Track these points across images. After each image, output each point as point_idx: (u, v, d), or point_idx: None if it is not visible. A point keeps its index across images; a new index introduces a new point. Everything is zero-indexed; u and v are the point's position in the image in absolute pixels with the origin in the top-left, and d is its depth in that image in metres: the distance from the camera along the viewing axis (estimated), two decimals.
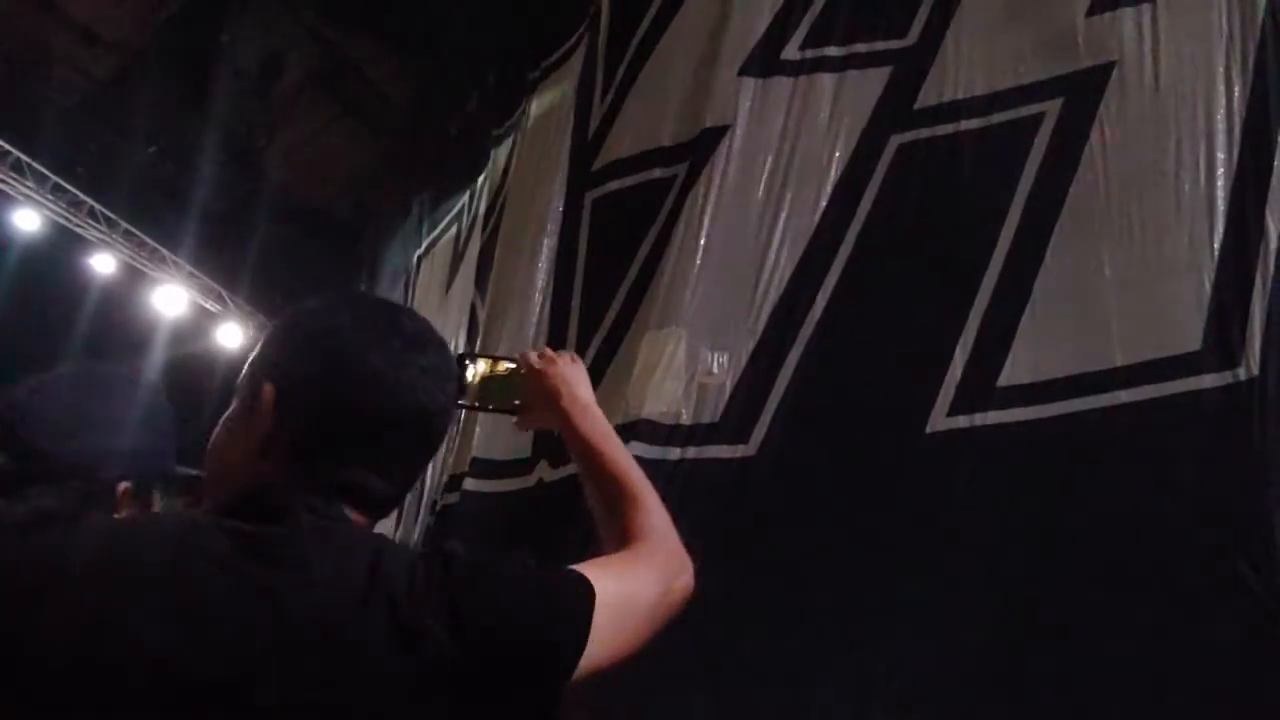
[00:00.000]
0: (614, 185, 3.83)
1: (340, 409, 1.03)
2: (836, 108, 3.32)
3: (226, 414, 1.11)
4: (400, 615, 0.91)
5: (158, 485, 1.45)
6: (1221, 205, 2.48)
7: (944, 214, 2.98)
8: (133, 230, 8.33)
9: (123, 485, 1.39)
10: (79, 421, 1.40)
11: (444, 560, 0.97)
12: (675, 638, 2.77)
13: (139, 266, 8.57)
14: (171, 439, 1.52)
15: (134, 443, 1.42)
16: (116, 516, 1.14)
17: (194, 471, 1.52)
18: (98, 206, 8.04)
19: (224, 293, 8.96)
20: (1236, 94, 2.56)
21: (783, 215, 3.25)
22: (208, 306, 9.04)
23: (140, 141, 8.00)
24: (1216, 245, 2.46)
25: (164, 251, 8.55)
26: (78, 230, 8.14)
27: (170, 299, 8.73)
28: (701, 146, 3.48)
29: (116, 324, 8.66)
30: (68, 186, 7.82)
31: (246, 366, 1.11)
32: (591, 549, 1.28)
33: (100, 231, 8.19)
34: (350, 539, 0.99)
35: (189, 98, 7.77)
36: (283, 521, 0.95)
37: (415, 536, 4.44)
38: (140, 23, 7.56)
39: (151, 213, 8.33)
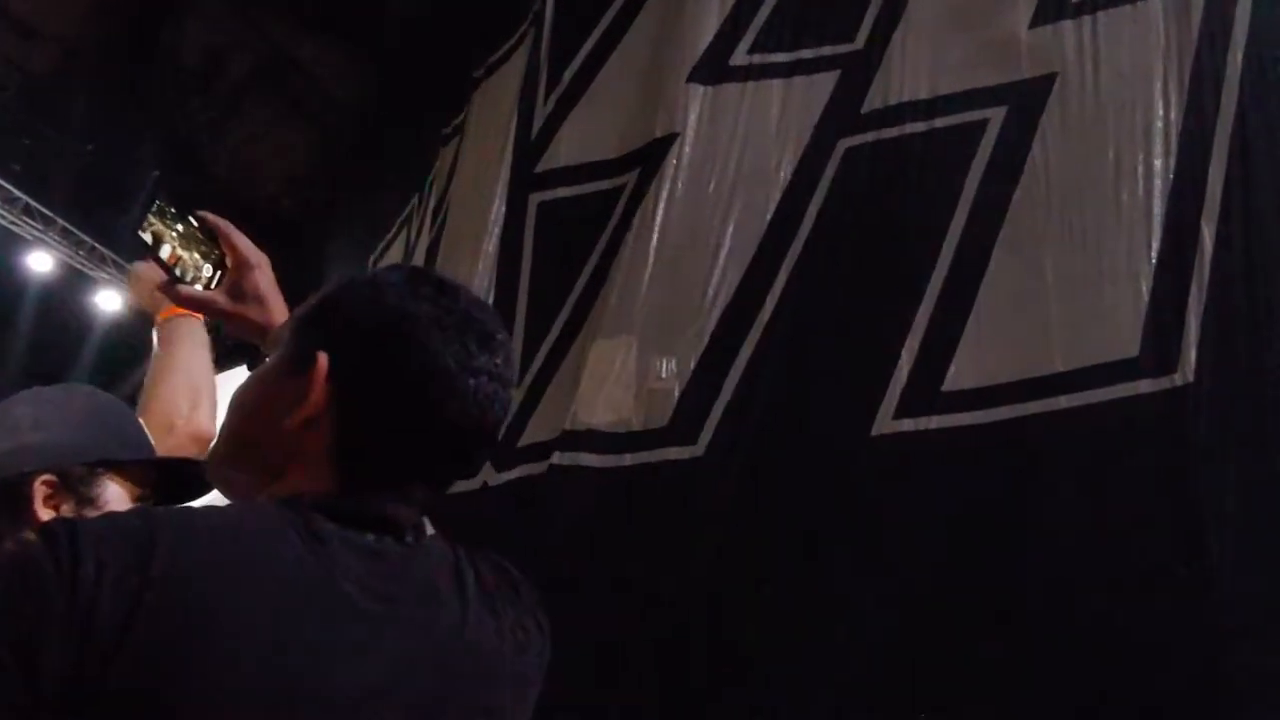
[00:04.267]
0: (563, 192, 3.82)
1: (402, 406, 0.93)
2: (785, 112, 3.34)
3: (263, 368, 1.02)
4: (511, 625, 0.98)
5: (95, 473, 1.39)
6: (1159, 214, 2.53)
7: (890, 218, 3.01)
8: (70, 228, 8.14)
9: (42, 478, 1.33)
10: None
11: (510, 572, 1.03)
12: (628, 635, 2.79)
13: (77, 265, 8.39)
14: (111, 428, 1.46)
15: (44, 437, 1.37)
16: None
17: (144, 458, 1.48)
18: (34, 204, 7.84)
19: None
20: (1174, 105, 2.61)
21: (732, 220, 3.26)
22: None
23: (79, 138, 7.82)
24: (1154, 253, 2.51)
25: (103, 250, 8.37)
26: (13, 228, 7.94)
27: (111, 299, 8.55)
28: (651, 156, 3.49)
29: (55, 323, 8.48)
30: (3, 183, 7.62)
31: (296, 321, 1.01)
32: None
33: (37, 229, 7.99)
34: (449, 554, 0.99)
35: (129, 94, 7.61)
36: (396, 537, 0.92)
37: None
38: (79, 17, 7.39)
39: (91, 210, 8.15)
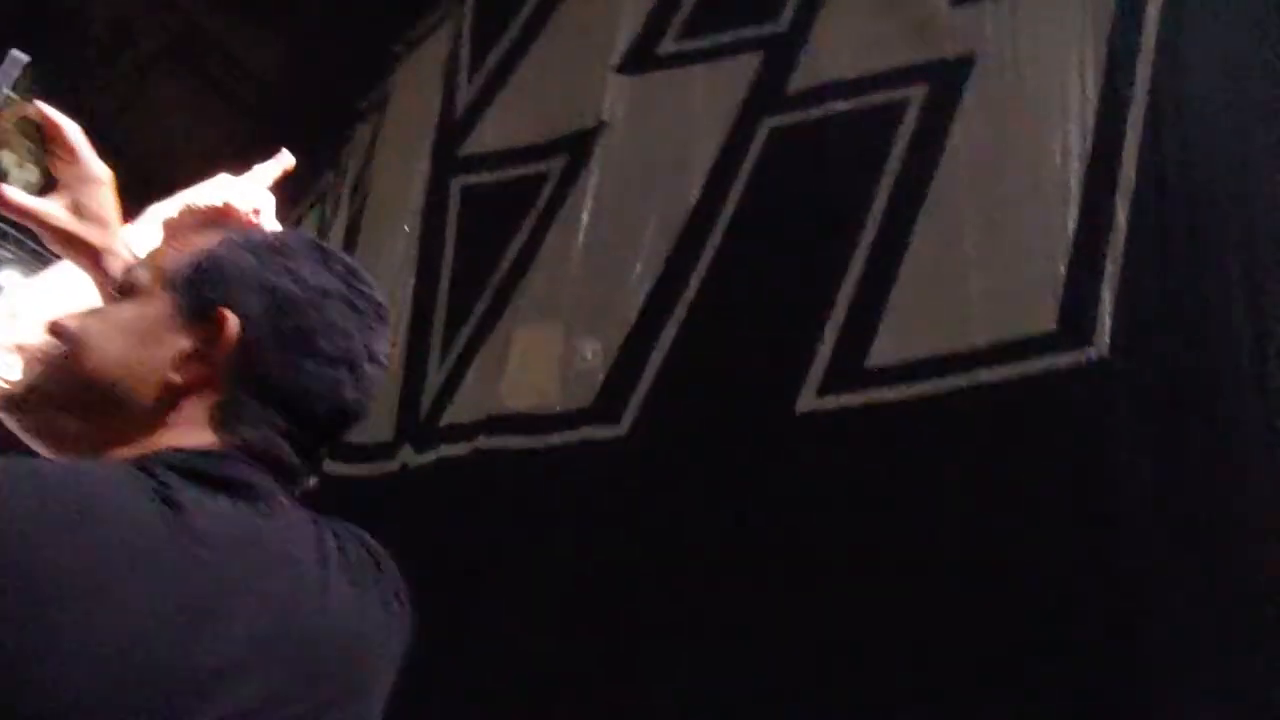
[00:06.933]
0: (487, 177, 3.82)
1: (305, 384, 0.90)
2: (710, 94, 3.35)
3: (128, 310, 0.92)
4: (384, 595, 0.95)
5: None
6: (1075, 191, 2.57)
7: (813, 196, 3.02)
8: None
9: None
10: None
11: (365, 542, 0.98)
12: (554, 616, 2.77)
13: None
14: None
15: None
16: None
17: None
18: None
19: None
20: (1090, 83, 2.65)
21: (658, 203, 3.27)
22: None
23: None
24: (1070, 229, 2.54)
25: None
26: None
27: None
28: (578, 144, 3.51)
29: None
30: None
31: (186, 271, 0.92)
32: None
33: None
34: (313, 528, 0.93)
35: (31, 66, 7.31)
36: (249, 502, 0.85)
37: None
38: None
39: None
